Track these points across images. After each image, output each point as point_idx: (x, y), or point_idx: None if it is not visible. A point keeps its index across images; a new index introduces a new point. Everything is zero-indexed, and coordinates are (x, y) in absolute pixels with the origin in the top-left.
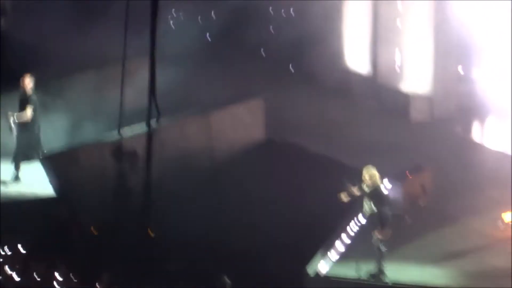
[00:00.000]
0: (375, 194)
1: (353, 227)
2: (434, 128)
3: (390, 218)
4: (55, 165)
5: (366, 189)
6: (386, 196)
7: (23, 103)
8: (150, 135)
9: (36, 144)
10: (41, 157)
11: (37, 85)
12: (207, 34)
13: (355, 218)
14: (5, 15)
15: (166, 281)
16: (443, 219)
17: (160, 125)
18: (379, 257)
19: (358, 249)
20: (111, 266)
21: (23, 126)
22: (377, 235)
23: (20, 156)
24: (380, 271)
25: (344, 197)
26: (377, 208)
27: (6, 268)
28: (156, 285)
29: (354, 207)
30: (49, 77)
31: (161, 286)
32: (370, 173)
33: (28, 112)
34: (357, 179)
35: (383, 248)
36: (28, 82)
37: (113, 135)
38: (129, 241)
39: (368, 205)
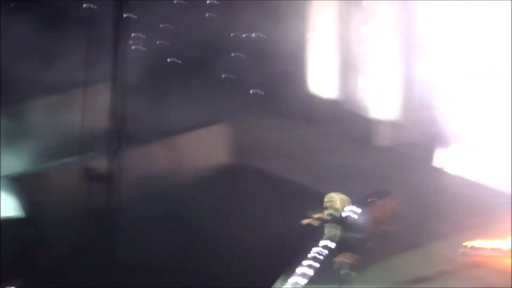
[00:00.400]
0: (338, 219)
1: (316, 252)
2: (398, 153)
3: (353, 243)
4: (20, 186)
5: (329, 214)
6: (349, 221)
7: None
8: (115, 158)
9: None
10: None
11: None
12: (171, 58)
13: (319, 243)
14: None
15: None
16: (407, 244)
17: (125, 149)
18: (342, 282)
19: (321, 273)
20: None
21: None
22: (340, 259)
23: None
24: None
25: (307, 222)
26: (340, 233)
27: None
28: None
29: (317, 232)
30: (11, 101)
31: None
32: (332, 198)
33: None
34: (321, 205)
35: (346, 273)
36: None
37: (78, 158)
38: (95, 263)
39: (331, 230)
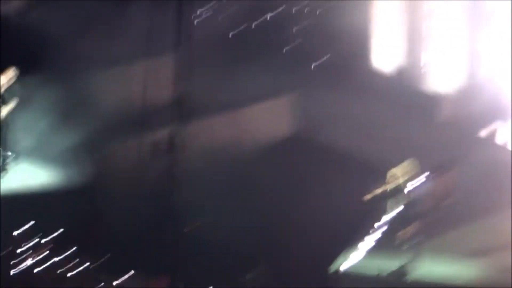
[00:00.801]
0: (401, 194)
1: (379, 227)
2: (461, 128)
3: (414, 217)
4: (82, 158)
5: (391, 188)
6: (412, 195)
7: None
8: (177, 132)
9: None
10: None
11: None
12: (234, 31)
13: (380, 217)
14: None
15: (193, 278)
16: (468, 218)
17: (188, 122)
18: (403, 255)
19: (382, 247)
20: (135, 262)
21: None
22: (402, 234)
23: None
24: (403, 268)
25: (370, 197)
26: (402, 207)
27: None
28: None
29: (379, 206)
30: (73, 74)
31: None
32: (395, 173)
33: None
34: (383, 178)
35: (407, 246)
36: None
37: (141, 131)
38: (155, 237)
39: (393, 205)
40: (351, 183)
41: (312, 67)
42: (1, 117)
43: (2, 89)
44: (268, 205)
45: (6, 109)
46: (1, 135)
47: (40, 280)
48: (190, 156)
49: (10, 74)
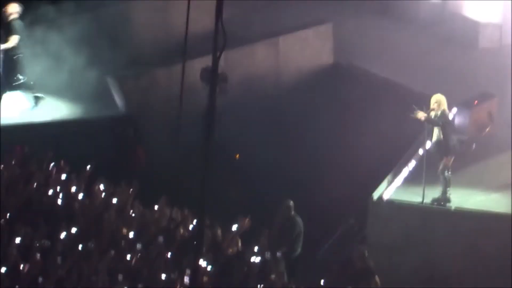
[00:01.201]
0: (443, 121)
1: (419, 153)
2: (502, 55)
3: (456, 145)
4: (124, 86)
5: (433, 116)
6: (453, 122)
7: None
8: (217, 60)
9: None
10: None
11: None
12: None
13: (422, 144)
14: None
15: (226, 209)
16: (508, 147)
17: (228, 49)
18: (444, 183)
19: (423, 175)
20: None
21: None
22: (443, 161)
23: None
24: (444, 197)
25: (420, 115)
26: (444, 135)
27: (73, 188)
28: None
29: (420, 133)
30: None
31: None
32: (438, 100)
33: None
34: (425, 106)
35: (448, 174)
36: (12, 9)
37: (180, 60)
38: (190, 169)
39: (435, 132)
40: (393, 110)
41: None
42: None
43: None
44: (308, 133)
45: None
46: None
47: (84, 206)
48: (231, 83)
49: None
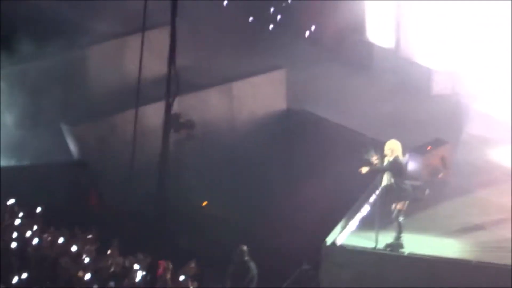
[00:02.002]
0: (395, 166)
1: (372, 199)
2: (455, 102)
3: (409, 190)
4: (79, 133)
5: (388, 162)
6: (406, 168)
7: None
8: (169, 105)
9: None
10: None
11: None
12: (225, 2)
13: (375, 190)
14: None
15: (180, 256)
16: (461, 192)
17: (181, 95)
18: (398, 228)
19: (377, 220)
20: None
21: None
22: (397, 206)
23: None
24: (398, 242)
25: (364, 170)
26: (397, 180)
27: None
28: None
29: (374, 179)
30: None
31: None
32: (392, 146)
33: None
34: (378, 151)
35: (402, 219)
36: None
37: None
38: (146, 213)
39: (386, 177)
40: (346, 156)
41: (310, 39)
42: None
43: None
44: (261, 177)
45: None
46: None
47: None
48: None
49: None
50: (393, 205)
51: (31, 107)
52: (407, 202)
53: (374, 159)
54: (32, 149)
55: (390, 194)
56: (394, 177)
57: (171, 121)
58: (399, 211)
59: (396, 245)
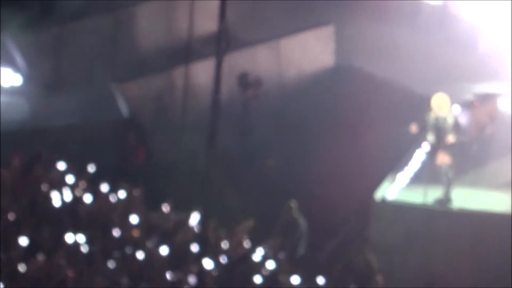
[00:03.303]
0: (444, 122)
1: (421, 154)
2: (502, 57)
3: (456, 145)
4: (128, 91)
5: (434, 117)
6: (454, 123)
7: None
8: (219, 62)
9: None
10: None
11: None
12: None
13: (423, 145)
14: None
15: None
16: (509, 147)
17: (230, 52)
18: (446, 184)
19: (426, 175)
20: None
21: None
22: (444, 161)
23: None
24: (447, 197)
25: (414, 128)
26: (445, 136)
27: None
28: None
29: (423, 134)
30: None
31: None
32: (439, 101)
33: None
34: (426, 107)
35: (450, 175)
36: None
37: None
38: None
39: (436, 133)
40: (396, 111)
41: None
42: None
43: None
44: (309, 133)
45: None
46: None
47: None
48: (233, 84)
49: None
50: (441, 160)
51: (81, 66)
52: (453, 156)
53: (425, 114)
54: (82, 108)
55: (438, 149)
56: (442, 132)
57: (221, 78)
58: (448, 166)
59: (445, 200)
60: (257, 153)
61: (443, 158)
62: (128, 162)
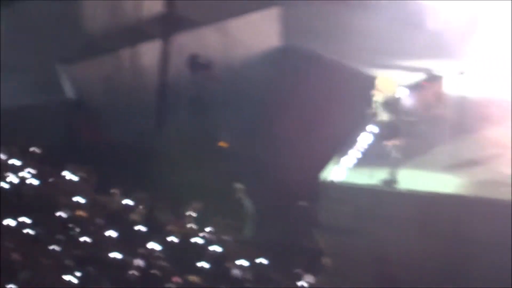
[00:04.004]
0: (390, 102)
1: (367, 134)
2: (450, 37)
3: (404, 126)
4: (74, 72)
5: (380, 97)
6: (401, 104)
7: None
8: (167, 44)
9: None
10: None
11: None
12: None
13: (370, 126)
14: None
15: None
16: (457, 127)
17: (178, 33)
18: (392, 164)
19: (372, 156)
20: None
21: None
22: (391, 143)
23: None
24: (394, 178)
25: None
26: (392, 116)
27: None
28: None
29: (369, 114)
30: None
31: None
32: (385, 82)
33: None
34: (374, 87)
35: (397, 155)
36: None
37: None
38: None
39: (382, 113)
40: (341, 91)
41: None
42: None
43: None
44: (256, 114)
45: None
46: None
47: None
48: (180, 66)
49: None
50: (386, 142)
51: (26, 48)
52: (401, 137)
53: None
54: (28, 90)
55: (385, 130)
56: (388, 112)
57: (169, 58)
58: (395, 147)
59: (392, 181)
60: (208, 134)
61: (394, 139)
62: (76, 143)
